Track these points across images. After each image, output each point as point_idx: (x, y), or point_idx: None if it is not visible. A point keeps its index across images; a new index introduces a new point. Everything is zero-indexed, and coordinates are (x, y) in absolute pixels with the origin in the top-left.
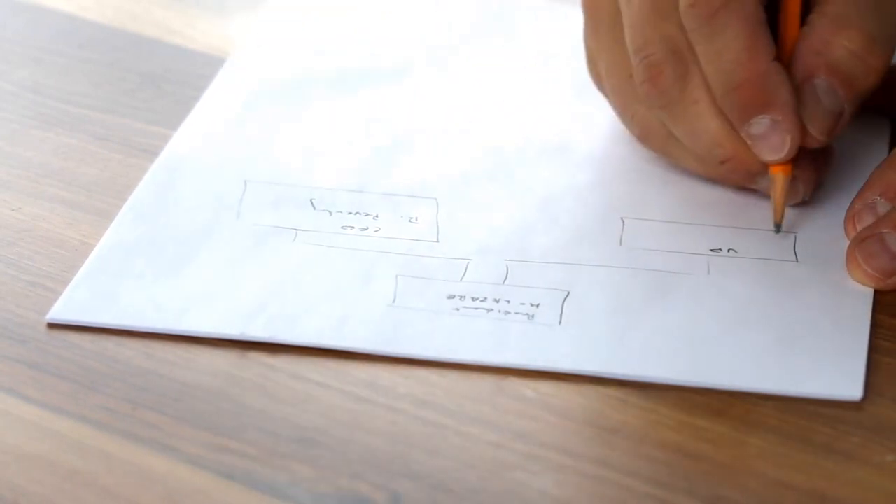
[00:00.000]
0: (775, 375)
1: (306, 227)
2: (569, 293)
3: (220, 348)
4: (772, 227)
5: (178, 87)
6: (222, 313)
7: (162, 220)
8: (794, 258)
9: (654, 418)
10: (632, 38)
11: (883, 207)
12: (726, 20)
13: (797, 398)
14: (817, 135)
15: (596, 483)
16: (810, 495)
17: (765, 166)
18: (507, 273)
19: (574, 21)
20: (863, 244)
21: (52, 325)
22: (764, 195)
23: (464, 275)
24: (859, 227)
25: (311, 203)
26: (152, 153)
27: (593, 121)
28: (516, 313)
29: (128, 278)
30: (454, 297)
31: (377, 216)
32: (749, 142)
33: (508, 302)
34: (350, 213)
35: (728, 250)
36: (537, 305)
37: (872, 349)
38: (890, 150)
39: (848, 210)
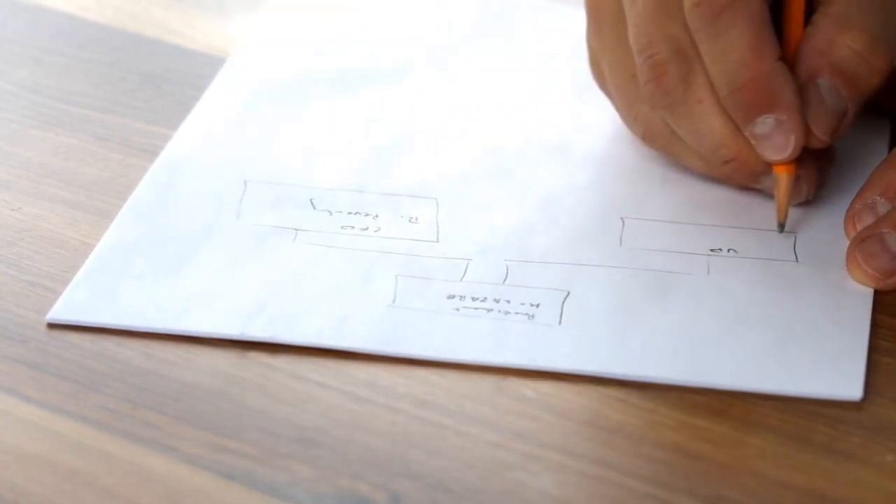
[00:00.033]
0: (775, 375)
1: (306, 227)
2: (569, 293)
3: (220, 348)
4: (774, 226)
5: (178, 87)
6: (222, 313)
7: (162, 220)
8: (794, 258)
9: (654, 418)
10: (636, 38)
11: (883, 207)
12: (731, 20)
13: (797, 398)
14: (821, 135)
15: (596, 483)
16: (810, 495)
17: (768, 166)
18: (507, 273)
19: (574, 21)
20: (863, 244)
21: (52, 325)
22: (765, 195)
23: (464, 275)
24: (859, 227)
25: (311, 203)
26: (152, 153)
27: (593, 121)
28: (516, 313)
29: (128, 278)
30: (454, 297)
31: (377, 216)
32: (753, 142)
33: (508, 302)
34: (350, 213)
35: (728, 250)
36: (537, 305)
37: (872, 349)
38: (890, 150)
39: (848, 210)
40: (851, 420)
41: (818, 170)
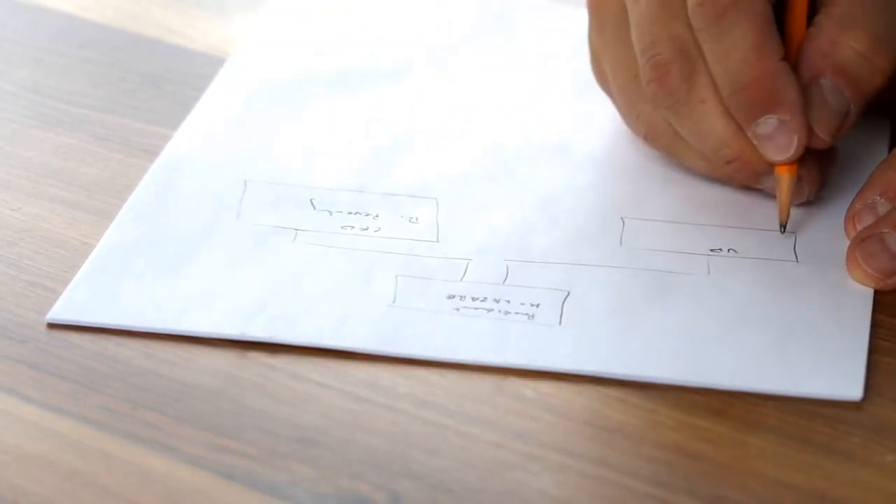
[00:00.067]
0: (775, 375)
1: (306, 227)
2: (569, 293)
3: (220, 348)
4: (774, 226)
5: (178, 87)
6: (222, 313)
7: (162, 220)
8: (794, 258)
9: (654, 418)
10: (639, 38)
11: (883, 207)
12: (735, 20)
13: (797, 398)
14: (823, 135)
15: (596, 483)
16: (810, 495)
17: (770, 166)
18: (507, 273)
19: (574, 21)
20: (863, 244)
21: (52, 325)
22: (765, 195)
23: (464, 275)
24: (859, 227)
25: (311, 203)
26: (152, 153)
27: (593, 121)
28: (516, 313)
29: (128, 278)
30: (454, 297)
31: (377, 216)
32: (756, 142)
33: (508, 302)
34: (350, 213)
35: (728, 250)
36: (537, 305)
37: (872, 349)
38: (890, 150)
39: (848, 210)
40: (851, 420)
41: (820, 170)
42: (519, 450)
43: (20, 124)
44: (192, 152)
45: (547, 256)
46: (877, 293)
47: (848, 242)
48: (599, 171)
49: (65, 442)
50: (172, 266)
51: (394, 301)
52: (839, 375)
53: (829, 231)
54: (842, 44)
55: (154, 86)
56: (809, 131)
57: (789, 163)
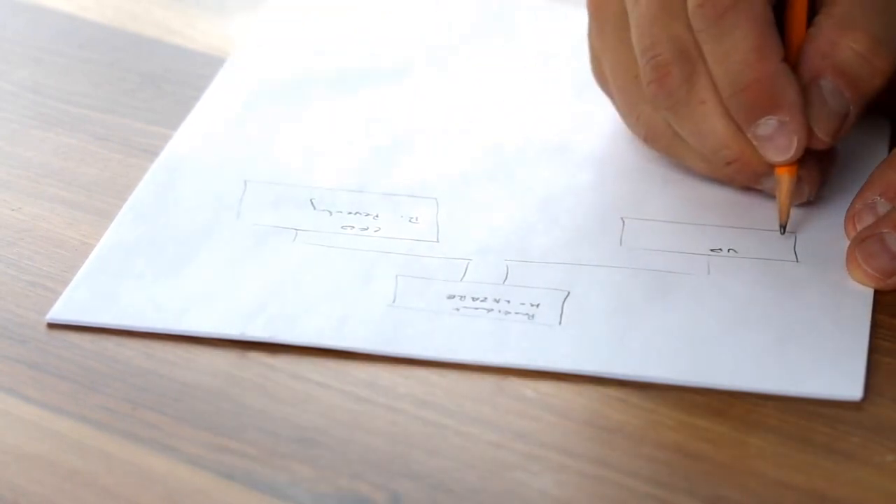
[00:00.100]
0: (775, 375)
1: (306, 227)
2: (569, 293)
3: (220, 348)
4: (774, 226)
5: (178, 87)
6: (222, 313)
7: (162, 220)
8: (794, 258)
9: (654, 418)
10: (639, 39)
11: (883, 207)
12: (735, 21)
13: (797, 398)
14: (823, 136)
15: (596, 483)
16: (810, 495)
17: (770, 167)
18: (507, 273)
19: (574, 21)
20: (863, 244)
21: (52, 325)
22: (765, 195)
23: (464, 275)
24: (859, 227)
25: (311, 203)
26: (152, 153)
27: (593, 121)
28: (516, 313)
29: (128, 278)
30: (454, 297)
31: (377, 216)
32: (755, 143)
33: (508, 302)
34: (350, 213)
35: (728, 250)
36: (537, 305)
37: (872, 349)
38: (890, 150)
39: (848, 210)
40: (851, 420)
41: (820, 170)
42: (519, 450)
43: (20, 124)
44: (192, 152)
45: (547, 256)
46: (877, 293)
47: (848, 242)
48: (599, 171)
49: (65, 442)
50: (172, 266)
51: (394, 301)
52: (839, 375)
53: (829, 231)
54: (841, 45)
55: (154, 86)
56: (809, 132)
57: (789, 164)
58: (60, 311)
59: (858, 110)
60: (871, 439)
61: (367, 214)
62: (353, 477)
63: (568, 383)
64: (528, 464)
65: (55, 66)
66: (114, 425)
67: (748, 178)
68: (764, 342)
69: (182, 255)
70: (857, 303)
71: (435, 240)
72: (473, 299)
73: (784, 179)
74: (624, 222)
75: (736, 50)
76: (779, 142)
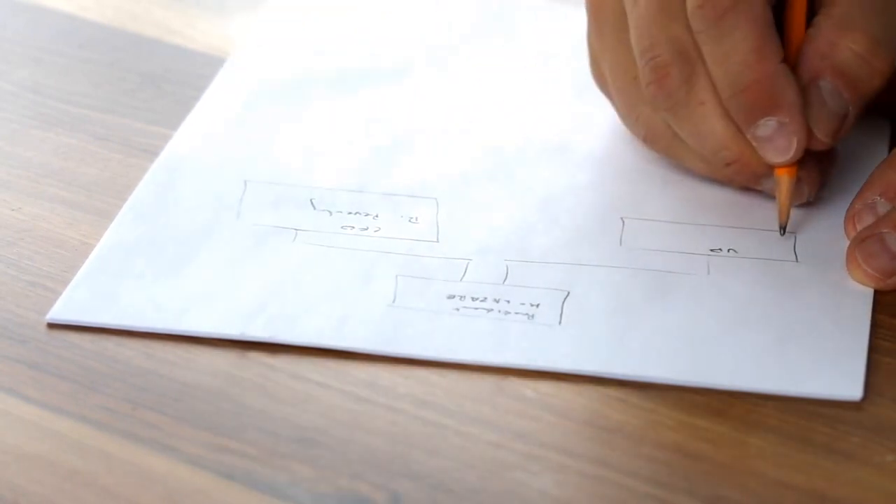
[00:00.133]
0: (775, 375)
1: (306, 227)
2: (569, 293)
3: (220, 348)
4: (773, 226)
5: (178, 87)
6: (222, 313)
7: (162, 220)
8: (794, 258)
9: (654, 418)
10: (638, 40)
11: (883, 207)
12: (734, 22)
13: (797, 398)
14: (822, 137)
15: (596, 483)
16: (810, 495)
17: (770, 168)
18: (507, 273)
19: (574, 21)
20: (863, 244)
21: (52, 325)
22: (765, 195)
23: (464, 275)
24: (859, 227)
25: (311, 203)
26: (152, 153)
27: (593, 121)
28: (516, 313)
29: (128, 278)
30: (454, 297)
31: (377, 216)
32: (755, 144)
33: (508, 302)
34: (350, 213)
35: (728, 250)
36: (537, 305)
37: (872, 349)
38: (890, 150)
39: (848, 210)
40: (851, 420)
41: (819, 171)
42: (519, 450)
43: (20, 124)
44: (192, 152)
45: (547, 256)
46: (877, 293)
47: (848, 242)
48: (599, 171)
49: (65, 442)
50: (172, 266)
51: (394, 301)
52: (839, 375)
53: (829, 231)
54: (840, 45)
55: (154, 86)
56: (809, 133)
57: (789, 165)
58: (60, 311)
59: (857, 111)
60: (871, 439)
61: (367, 214)
62: (353, 477)
63: (568, 383)
64: (527, 464)
65: (55, 66)
66: (114, 425)
67: (748, 179)
68: (764, 342)
69: (182, 255)
70: (857, 303)
71: (435, 240)
72: (473, 299)
73: (784, 180)
74: (624, 222)
75: (735, 51)
76: (778, 143)
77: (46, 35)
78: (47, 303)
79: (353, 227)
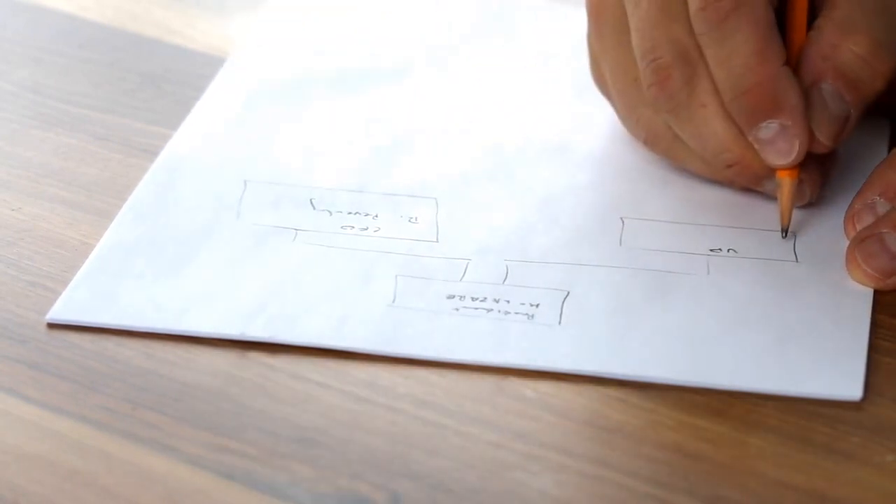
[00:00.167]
0: (775, 375)
1: (306, 227)
2: (569, 293)
3: (220, 348)
4: (773, 226)
5: (178, 87)
6: (222, 313)
7: (162, 220)
8: (794, 258)
9: (654, 418)
10: (639, 42)
11: (882, 207)
12: (737, 24)
13: (797, 398)
14: (824, 140)
15: (596, 483)
16: (810, 495)
17: (771, 170)
18: (506, 273)
19: (574, 21)
20: (862, 244)
21: (52, 325)
22: (765, 196)
23: (464, 275)
24: (859, 227)
25: (311, 203)
26: (152, 153)
27: (593, 121)
28: (516, 313)
29: (128, 278)
30: (454, 297)
31: (377, 216)
32: (757, 146)
33: (508, 302)
34: (350, 213)
35: (728, 250)
36: (537, 305)
37: (872, 349)
38: (890, 150)
39: (848, 210)
40: (851, 420)
41: (821, 173)
42: (519, 450)
43: (20, 124)
44: (192, 152)
45: (547, 256)
46: (877, 293)
47: (848, 242)
48: (599, 171)
49: (65, 442)
50: (172, 266)
51: (394, 301)
52: (839, 375)
53: (829, 231)
54: (842, 47)
55: (154, 86)
56: (811, 136)
57: (790, 167)
58: (60, 311)
59: (859, 113)
60: (871, 439)
61: (367, 214)
62: (353, 477)
63: (568, 383)
64: (527, 464)
65: (55, 66)
66: (114, 425)
67: (749, 181)
68: (764, 342)
69: (182, 255)
70: (857, 303)
71: (435, 240)
72: (473, 299)
73: (785, 183)
74: (623, 222)
75: (738, 53)
76: (780, 145)
77: (46, 35)
78: (47, 303)
79: (353, 227)
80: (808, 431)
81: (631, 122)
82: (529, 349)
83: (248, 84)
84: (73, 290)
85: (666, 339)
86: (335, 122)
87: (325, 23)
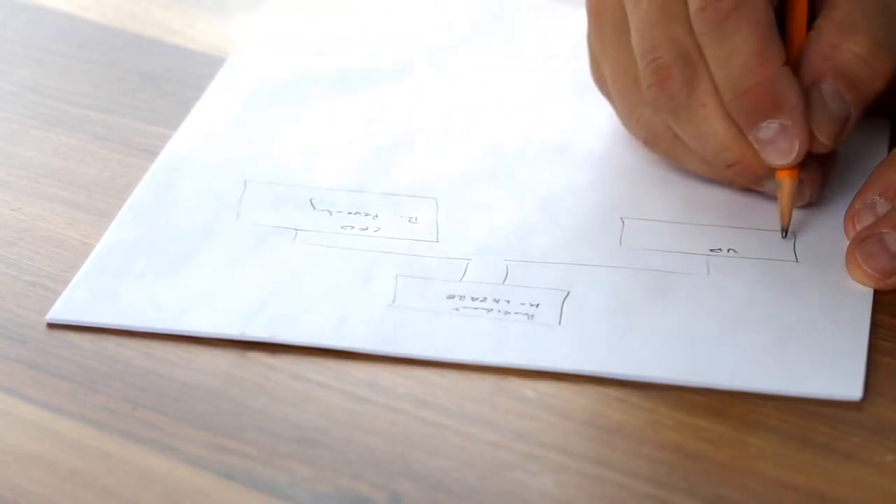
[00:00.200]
0: (775, 375)
1: (306, 227)
2: (569, 293)
3: (220, 348)
4: (773, 226)
5: (178, 87)
6: (222, 313)
7: (162, 220)
8: (794, 258)
9: (654, 418)
10: (639, 41)
11: (882, 207)
12: (737, 24)
13: (797, 398)
14: (824, 140)
15: (596, 483)
16: (810, 495)
17: (771, 170)
18: (506, 273)
19: (574, 21)
20: (862, 244)
21: (52, 325)
22: (765, 195)
23: (464, 275)
24: (859, 227)
25: (311, 203)
26: (152, 153)
27: (593, 121)
28: (516, 313)
29: (128, 278)
30: (454, 297)
31: (377, 216)
32: (757, 146)
33: (508, 302)
34: (350, 213)
35: (728, 250)
36: (537, 305)
37: (872, 349)
38: (890, 150)
39: (848, 210)
40: (851, 420)
41: (821, 172)
42: (519, 450)
43: (20, 124)
44: (192, 152)
45: (547, 256)
46: (877, 293)
47: (848, 242)
48: (599, 171)
49: (65, 442)
50: (172, 266)
51: (394, 301)
52: (839, 375)
53: (829, 231)
54: (842, 47)
55: (154, 86)
56: (811, 136)
57: (790, 167)
58: (60, 311)
59: (859, 113)
60: (871, 439)
61: (367, 214)
62: (353, 477)
63: (568, 383)
64: (527, 464)
65: (55, 66)
66: (114, 425)
67: (749, 181)
68: (764, 342)
69: (182, 255)
70: (857, 303)
71: (435, 240)
72: (473, 299)
73: (785, 183)
74: (623, 222)
75: (738, 53)
76: (780, 145)
77: (46, 35)
78: (47, 303)
79: (353, 227)
80: (808, 431)
81: (631, 123)
82: (529, 349)
83: (248, 84)
84: (73, 290)
85: (666, 339)
86: (335, 122)
87: (325, 23)
